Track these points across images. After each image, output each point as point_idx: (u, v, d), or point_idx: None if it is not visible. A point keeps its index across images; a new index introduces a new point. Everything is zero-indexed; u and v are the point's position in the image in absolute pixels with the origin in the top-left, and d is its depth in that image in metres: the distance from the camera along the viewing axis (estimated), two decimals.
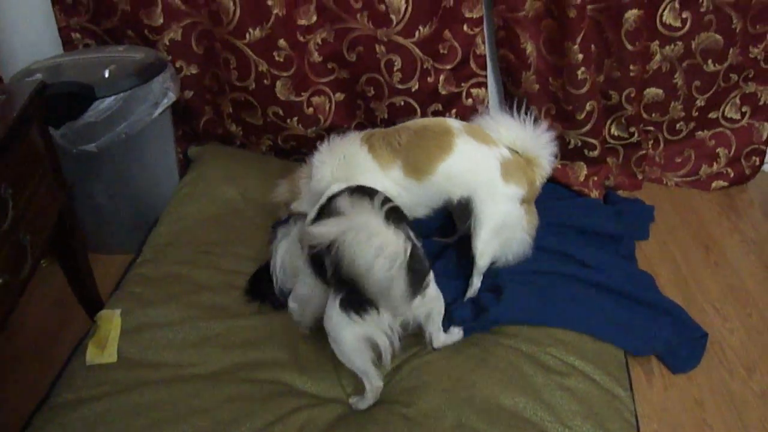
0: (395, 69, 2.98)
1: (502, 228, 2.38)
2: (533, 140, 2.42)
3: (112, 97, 2.58)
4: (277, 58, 2.93)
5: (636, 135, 3.14)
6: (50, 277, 2.67)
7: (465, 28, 2.93)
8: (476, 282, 2.47)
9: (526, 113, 2.41)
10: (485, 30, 3.00)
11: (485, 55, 3.03)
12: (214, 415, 1.95)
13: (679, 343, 2.39)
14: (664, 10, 2.92)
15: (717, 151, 3.29)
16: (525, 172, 2.38)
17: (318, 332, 2.24)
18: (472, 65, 3.03)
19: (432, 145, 2.33)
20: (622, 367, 2.23)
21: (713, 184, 3.32)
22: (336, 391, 2.11)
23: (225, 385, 2.06)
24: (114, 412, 1.94)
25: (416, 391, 2.06)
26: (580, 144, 3.07)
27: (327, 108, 3.14)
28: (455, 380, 2.09)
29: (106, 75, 2.63)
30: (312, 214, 2.12)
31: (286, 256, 2.26)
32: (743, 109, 3.22)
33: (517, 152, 2.40)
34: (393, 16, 2.86)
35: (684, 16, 2.94)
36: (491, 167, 2.33)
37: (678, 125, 3.24)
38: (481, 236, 2.38)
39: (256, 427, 1.93)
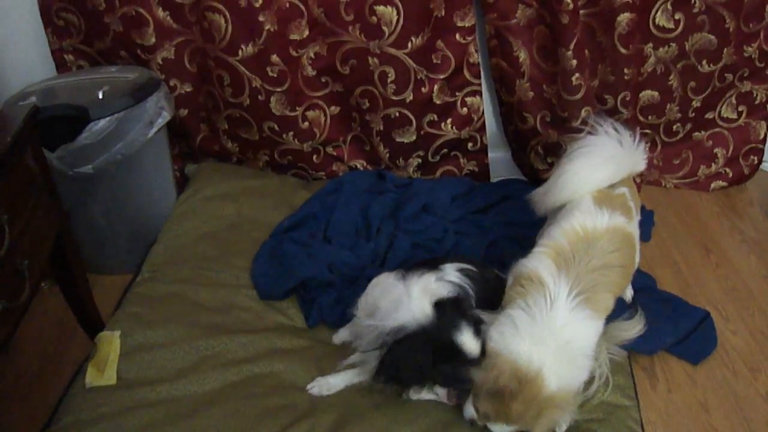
0: (389, 80, 2.98)
1: None
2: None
3: (107, 118, 2.57)
4: (270, 74, 2.93)
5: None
6: (51, 300, 2.66)
7: (457, 37, 2.92)
8: None
9: None
10: (477, 38, 2.99)
11: (479, 64, 3.02)
12: None
13: (688, 332, 2.41)
14: (656, 12, 2.92)
15: (715, 151, 3.29)
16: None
17: (315, 344, 2.32)
18: (466, 74, 3.02)
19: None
20: (627, 375, 2.22)
21: (712, 185, 3.32)
22: (334, 395, 2.11)
23: (223, 403, 2.05)
24: None
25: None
26: None
27: (322, 122, 3.14)
28: None
29: (100, 96, 2.62)
30: None
31: None
32: (740, 109, 3.22)
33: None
34: (385, 28, 2.86)
35: (677, 17, 2.93)
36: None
37: (675, 127, 3.24)
38: None
39: None
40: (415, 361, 1.93)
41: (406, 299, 1.99)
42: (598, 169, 2.23)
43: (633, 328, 2.21)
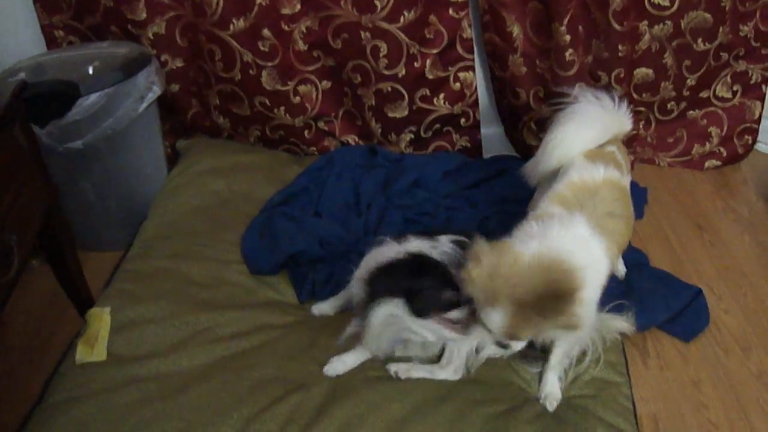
0: (381, 55, 2.96)
1: None
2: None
3: (97, 94, 2.55)
4: (261, 48, 2.91)
5: None
6: (42, 277, 2.65)
7: (450, 11, 2.90)
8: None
9: None
10: (471, 13, 2.97)
11: (472, 39, 3.00)
12: (202, 409, 1.95)
13: (680, 309, 2.41)
14: None
15: (709, 130, 3.27)
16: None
17: (306, 320, 2.32)
18: (459, 49, 3.00)
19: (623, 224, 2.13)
20: (619, 351, 2.22)
21: (706, 164, 3.31)
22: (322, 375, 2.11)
23: (213, 377, 2.05)
24: (103, 411, 1.93)
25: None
26: None
27: (314, 96, 3.12)
28: None
29: (90, 71, 2.61)
30: None
31: None
32: (734, 88, 3.20)
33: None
34: (377, 2, 2.84)
35: None
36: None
37: (669, 105, 3.22)
38: None
39: (245, 416, 1.93)
40: (397, 271, 1.93)
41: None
42: (585, 130, 2.24)
43: (626, 322, 2.19)
